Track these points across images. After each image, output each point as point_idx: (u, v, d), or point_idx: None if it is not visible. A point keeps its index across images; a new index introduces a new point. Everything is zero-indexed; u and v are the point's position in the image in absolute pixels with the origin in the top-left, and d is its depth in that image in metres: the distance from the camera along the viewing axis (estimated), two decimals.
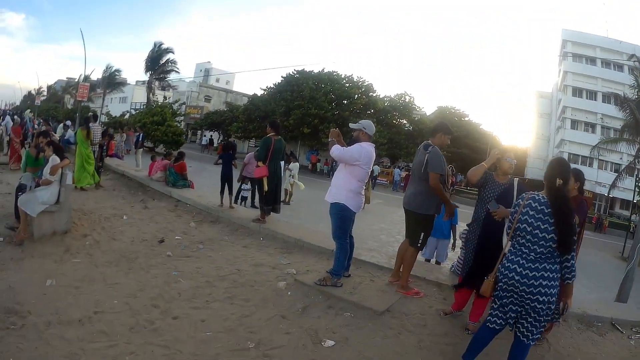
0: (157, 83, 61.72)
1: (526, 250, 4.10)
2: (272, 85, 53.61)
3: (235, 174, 12.36)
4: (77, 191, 12.68)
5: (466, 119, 61.22)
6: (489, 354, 4.84)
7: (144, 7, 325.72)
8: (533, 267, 4.03)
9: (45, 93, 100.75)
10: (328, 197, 6.46)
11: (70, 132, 21.88)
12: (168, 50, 60.95)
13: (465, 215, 7.69)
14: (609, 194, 47.91)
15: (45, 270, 6.97)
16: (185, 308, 5.89)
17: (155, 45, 60.10)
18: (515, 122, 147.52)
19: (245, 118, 52.73)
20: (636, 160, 35.35)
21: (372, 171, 6.57)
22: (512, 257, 4.20)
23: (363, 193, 6.59)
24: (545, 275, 4.00)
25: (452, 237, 8.71)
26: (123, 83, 75.03)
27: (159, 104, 40.65)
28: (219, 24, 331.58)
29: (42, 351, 4.67)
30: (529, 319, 4.16)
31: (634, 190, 32.99)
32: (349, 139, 6.71)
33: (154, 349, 4.83)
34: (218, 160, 12.46)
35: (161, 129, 33.69)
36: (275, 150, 9.61)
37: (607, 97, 53.37)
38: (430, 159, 6.02)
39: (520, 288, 4.05)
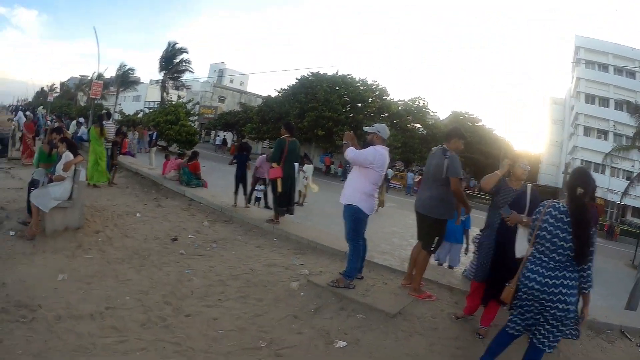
0: (171, 82, 61.95)
1: (546, 259, 4.09)
2: (286, 87, 53.51)
3: (249, 175, 12.40)
4: (90, 188, 12.76)
5: (479, 124, 60.89)
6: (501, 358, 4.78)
7: (157, 6, 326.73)
8: (552, 275, 4.02)
9: (58, 90, 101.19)
10: (342, 199, 6.46)
11: (83, 129, 22.09)
12: (182, 50, 61.21)
13: (478, 220, 7.67)
14: (620, 201, 47.66)
15: (56, 265, 7.03)
16: (198, 306, 5.91)
17: (169, 44, 60.39)
18: (528, 128, 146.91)
19: (259, 119, 52.67)
20: None
21: (386, 174, 6.55)
22: (532, 265, 4.18)
23: (376, 196, 6.61)
24: (565, 283, 3.99)
25: (465, 241, 8.72)
26: (136, 82, 75.18)
27: (173, 103, 40.70)
28: (233, 24, 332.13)
29: (52, 344, 4.70)
30: (547, 326, 4.14)
31: None
32: (363, 142, 6.72)
33: (165, 345, 4.86)
34: (233, 160, 12.44)
35: (175, 128, 33.67)
36: (289, 151, 9.60)
37: (619, 105, 53.19)
38: (450, 164, 6.03)
39: (540, 297, 4.04)
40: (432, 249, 6.49)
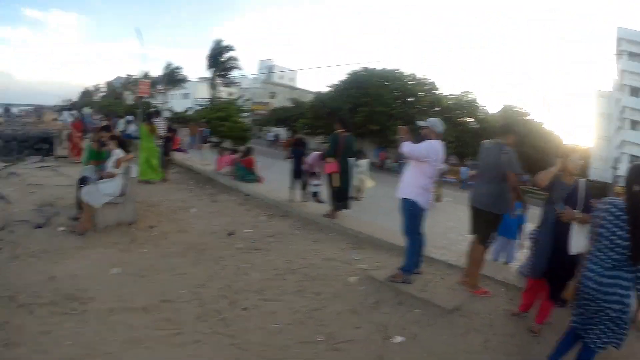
0: (219, 80, 62.54)
1: (604, 257, 3.97)
2: (338, 82, 53.28)
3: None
4: (143, 184, 12.99)
5: (528, 117, 59.91)
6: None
7: (202, 3, 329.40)
8: (608, 274, 3.92)
9: (104, 89, 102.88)
10: (399, 194, 6.46)
11: (132, 127, 22.59)
12: (228, 48, 61.83)
13: (532, 215, 7.58)
14: None
15: (109, 259, 7.14)
16: (255, 300, 5.91)
17: (215, 42, 61.33)
18: (576, 122, 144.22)
19: (312, 114, 52.64)
20: None
21: (441, 169, 6.57)
22: (591, 264, 4.08)
23: (432, 190, 6.59)
24: (621, 284, 3.90)
25: (520, 237, 8.65)
26: (184, 80, 76.08)
27: (223, 100, 40.88)
28: (280, 20, 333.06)
29: (103, 336, 4.79)
30: (600, 326, 4.06)
31: None
32: (417, 137, 6.72)
33: (220, 338, 4.89)
34: (289, 155, 12.47)
35: (226, 125, 33.84)
36: (344, 146, 9.62)
37: None
38: (510, 159, 6.01)
39: (596, 296, 3.95)
40: (487, 244, 6.46)
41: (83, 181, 8.85)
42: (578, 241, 4.61)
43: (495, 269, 7.64)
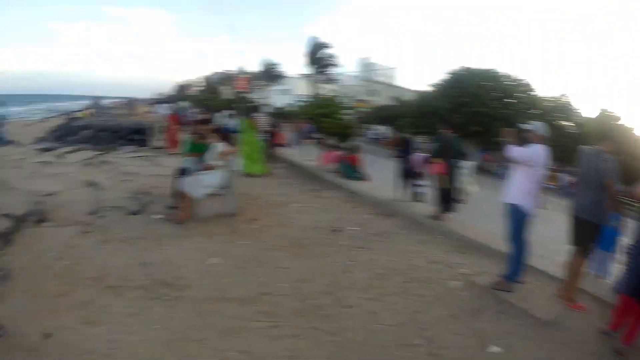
0: (318, 76, 62.95)
1: None
2: (440, 81, 52.58)
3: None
4: (246, 177, 13.28)
5: (622, 122, 57.59)
6: None
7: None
8: None
9: (200, 84, 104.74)
10: (503, 198, 6.44)
11: (232, 121, 22.79)
12: (326, 45, 62.12)
13: (628, 228, 7.42)
14: None
15: (208, 249, 7.34)
16: (357, 298, 5.95)
17: (312, 39, 61.46)
18: None
19: (416, 113, 52.17)
20: None
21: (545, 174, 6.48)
22: None
23: (538, 195, 6.48)
24: None
25: (616, 250, 8.47)
26: (283, 76, 76.75)
27: (324, 96, 41.11)
28: (378, 16, 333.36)
29: (196, 323, 4.99)
30: None
31: None
32: (521, 140, 6.72)
33: (320, 334, 4.97)
34: (396, 154, 12.52)
35: (328, 121, 33.90)
36: (450, 147, 9.61)
37: None
38: (609, 167, 5.88)
39: None
40: (588, 256, 6.35)
41: (183, 172, 9.15)
42: None
43: (591, 283, 7.38)
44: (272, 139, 16.03)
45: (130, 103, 65.66)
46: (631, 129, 56.39)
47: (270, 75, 73.65)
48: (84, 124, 26.01)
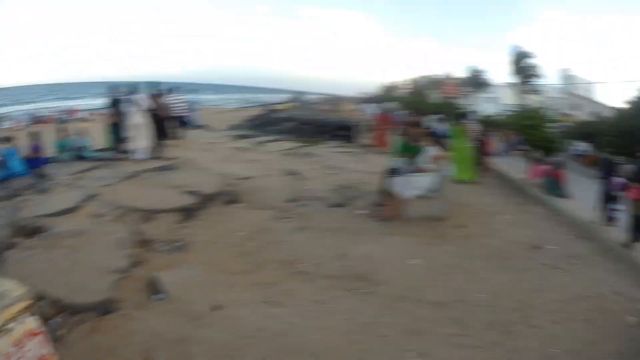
0: (523, 86, 61.56)
1: None
2: (637, 98, 49.45)
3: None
4: (456, 184, 13.06)
5: None
6: None
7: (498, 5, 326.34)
8: None
9: (408, 86, 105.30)
10: None
11: (441, 126, 22.54)
12: (528, 55, 60.57)
13: None
14: None
15: (410, 250, 7.43)
16: (544, 319, 5.80)
17: (514, 47, 60.15)
18: None
19: (614, 132, 49.45)
20: None
21: None
22: None
23: None
24: None
25: None
26: (488, 84, 75.74)
27: (530, 107, 40.23)
28: (579, 27, 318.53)
29: (383, 319, 5.22)
30: None
31: None
32: None
33: (500, 351, 4.92)
34: (598, 175, 12.05)
35: (535, 134, 32.85)
36: None
37: None
38: None
39: None
40: None
41: (393, 172, 9.23)
42: None
43: None
44: (481, 147, 15.87)
45: (335, 100, 67.12)
46: None
47: (476, 82, 72.80)
48: (286, 115, 27.45)
